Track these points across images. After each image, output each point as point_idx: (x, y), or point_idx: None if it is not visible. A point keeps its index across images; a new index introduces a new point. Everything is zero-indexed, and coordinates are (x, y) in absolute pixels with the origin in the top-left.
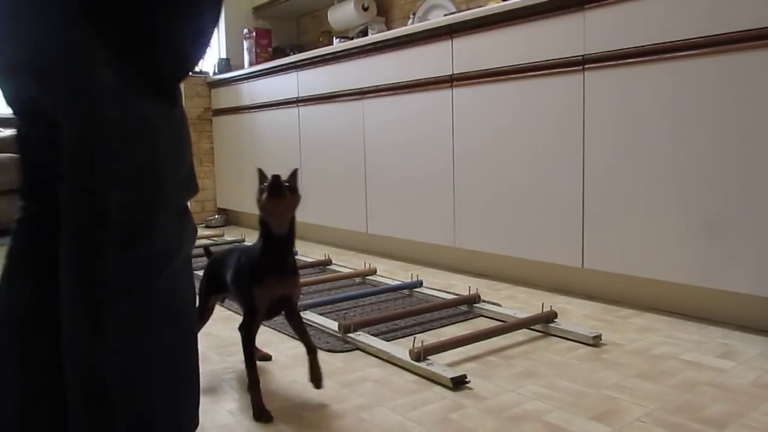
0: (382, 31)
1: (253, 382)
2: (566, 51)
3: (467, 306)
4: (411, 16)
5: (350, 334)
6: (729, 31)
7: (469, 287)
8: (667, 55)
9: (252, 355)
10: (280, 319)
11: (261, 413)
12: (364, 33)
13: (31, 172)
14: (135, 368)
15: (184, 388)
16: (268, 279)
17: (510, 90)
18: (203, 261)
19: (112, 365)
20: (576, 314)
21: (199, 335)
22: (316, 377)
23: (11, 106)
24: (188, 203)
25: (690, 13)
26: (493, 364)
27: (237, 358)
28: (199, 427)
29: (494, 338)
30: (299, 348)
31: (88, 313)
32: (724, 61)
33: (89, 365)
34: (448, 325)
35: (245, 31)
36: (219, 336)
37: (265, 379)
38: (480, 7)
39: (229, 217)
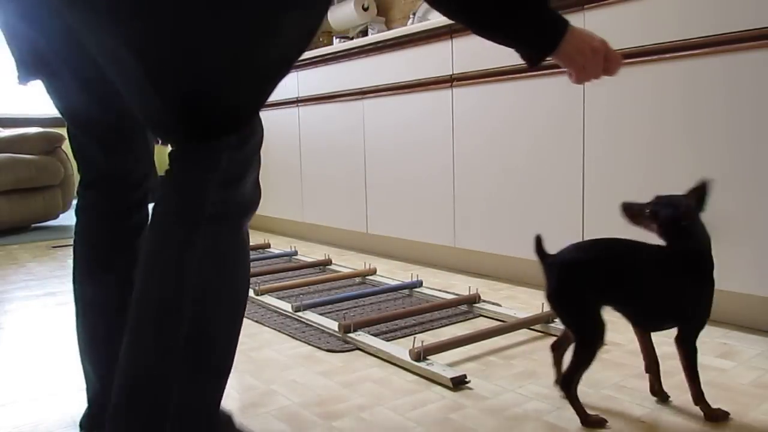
0: (382, 31)
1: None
2: None
3: (467, 306)
4: (411, 16)
5: (350, 334)
6: (730, 31)
7: (469, 287)
8: (667, 55)
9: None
10: (280, 319)
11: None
12: (364, 33)
13: (85, 167)
14: (211, 284)
15: (237, 328)
16: None
17: (510, 90)
18: None
19: (194, 272)
20: None
21: None
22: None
23: (64, 109)
24: None
25: (690, 13)
26: (493, 364)
27: (237, 359)
28: None
29: (494, 338)
30: (299, 348)
31: (184, 226)
32: (725, 61)
33: (177, 268)
34: (448, 325)
35: None
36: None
37: (265, 378)
38: None
39: None
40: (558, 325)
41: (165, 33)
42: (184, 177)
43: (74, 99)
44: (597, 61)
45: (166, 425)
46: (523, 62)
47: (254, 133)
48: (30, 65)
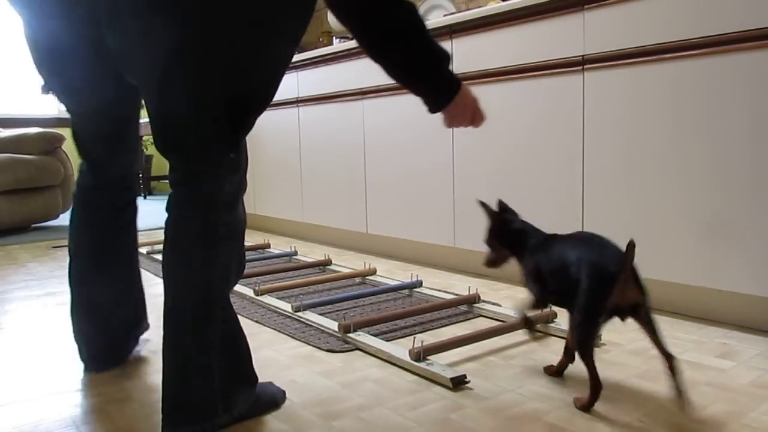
0: None
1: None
2: (566, 51)
3: (467, 306)
4: None
5: (350, 334)
6: (729, 31)
7: (469, 287)
8: (667, 55)
9: None
10: (280, 319)
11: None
12: None
13: (87, 156)
14: (227, 291)
15: (239, 270)
16: None
17: (510, 90)
18: None
19: (217, 286)
20: None
21: None
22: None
23: (77, 111)
24: None
25: (690, 13)
26: (493, 364)
27: None
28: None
29: (494, 338)
30: (299, 348)
31: (207, 248)
32: (725, 61)
33: (206, 284)
34: (448, 325)
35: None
36: None
37: (265, 378)
38: (480, 7)
39: None
40: (558, 325)
41: (211, 72)
42: (199, 202)
43: (87, 101)
44: (469, 118)
45: (218, 404)
46: (516, 63)
47: (243, 158)
48: (49, 65)
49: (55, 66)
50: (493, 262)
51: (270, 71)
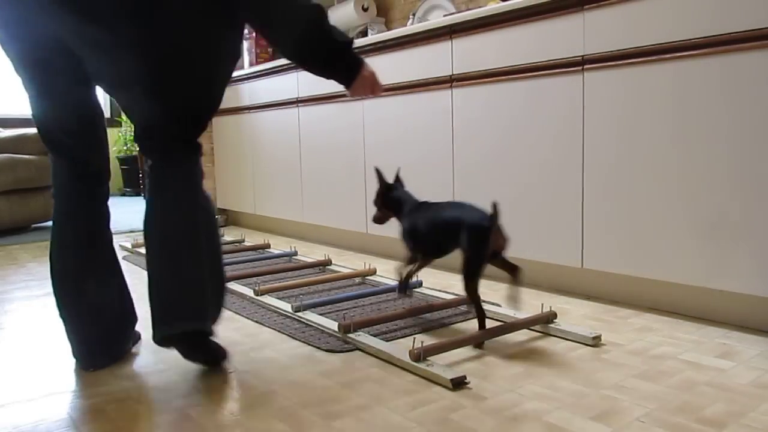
0: (382, 32)
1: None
2: (566, 51)
3: (467, 306)
4: (411, 16)
5: (350, 334)
6: (729, 31)
7: None
8: (667, 55)
9: None
10: (280, 319)
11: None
12: (364, 33)
13: (58, 149)
14: (210, 226)
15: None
16: None
17: (510, 90)
18: None
19: (204, 226)
20: (575, 314)
21: None
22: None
23: (53, 112)
24: None
25: (690, 14)
26: (493, 364)
27: (237, 359)
28: (200, 426)
29: (494, 338)
30: (299, 348)
31: (197, 212)
32: (725, 61)
33: (194, 230)
34: (448, 325)
35: (245, 31)
36: (219, 336)
37: (265, 378)
38: (480, 7)
39: (229, 217)
40: (558, 326)
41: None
42: (189, 179)
43: (64, 101)
44: (369, 89)
45: (209, 310)
46: (516, 63)
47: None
48: (27, 66)
49: (31, 71)
50: (378, 219)
51: (218, 87)
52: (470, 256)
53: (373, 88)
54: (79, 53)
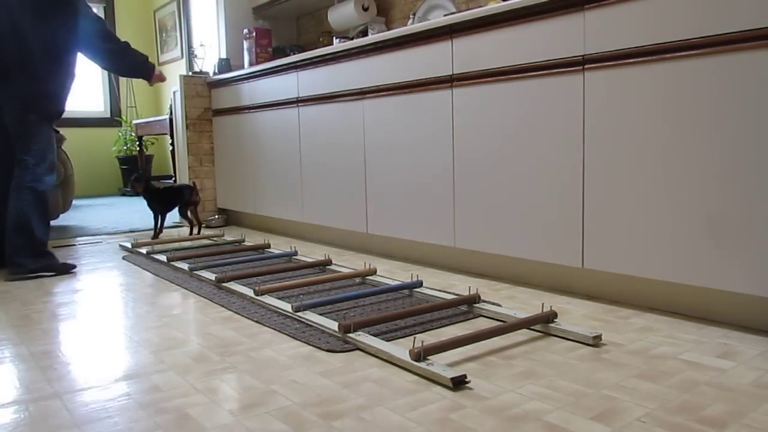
0: (382, 31)
1: None
2: (566, 51)
3: (467, 306)
4: (411, 16)
5: (350, 334)
6: (728, 31)
7: (469, 287)
8: (667, 55)
9: None
10: (280, 319)
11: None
12: (364, 33)
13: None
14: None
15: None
16: None
17: (510, 90)
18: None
19: (40, 201)
20: (576, 314)
21: (200, 335)
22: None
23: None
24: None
25: (690, 13)
26: (493, 364)
27: (237, 359)
28: (200, 426)
29: (494, 338)
30: (299, 348)
31: (33, 191)
32: (724, 61)
33: (28, 202)
34: (448, 325)
35: (245, 31)
36: (219, 336)
37: (265, 378)
38: (480, 7)
39: (229, 217)
40: (558, 325)
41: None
42: (28, 171)
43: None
44: (159, 78)
45: (33, 234)
46: (516, 63)
47: (48, 151)
48: None
49: None
50: (134, 188)
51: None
52: (186, 202)
53: (160, 79)
54: None
